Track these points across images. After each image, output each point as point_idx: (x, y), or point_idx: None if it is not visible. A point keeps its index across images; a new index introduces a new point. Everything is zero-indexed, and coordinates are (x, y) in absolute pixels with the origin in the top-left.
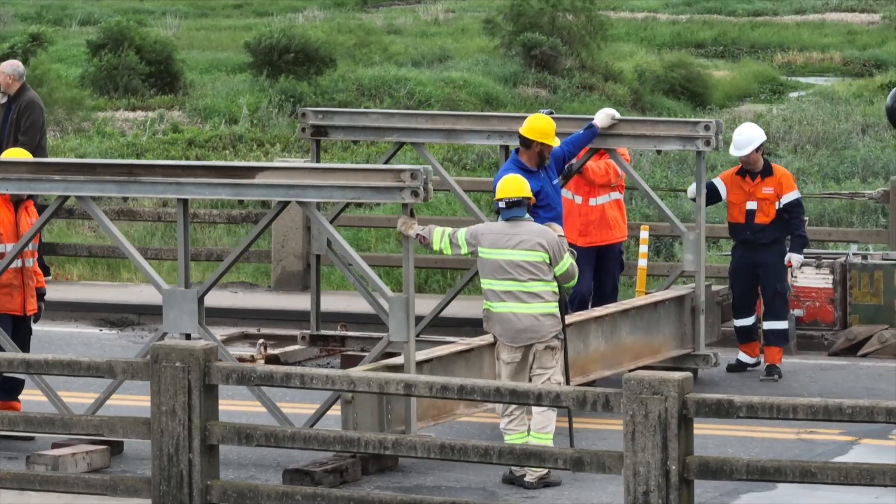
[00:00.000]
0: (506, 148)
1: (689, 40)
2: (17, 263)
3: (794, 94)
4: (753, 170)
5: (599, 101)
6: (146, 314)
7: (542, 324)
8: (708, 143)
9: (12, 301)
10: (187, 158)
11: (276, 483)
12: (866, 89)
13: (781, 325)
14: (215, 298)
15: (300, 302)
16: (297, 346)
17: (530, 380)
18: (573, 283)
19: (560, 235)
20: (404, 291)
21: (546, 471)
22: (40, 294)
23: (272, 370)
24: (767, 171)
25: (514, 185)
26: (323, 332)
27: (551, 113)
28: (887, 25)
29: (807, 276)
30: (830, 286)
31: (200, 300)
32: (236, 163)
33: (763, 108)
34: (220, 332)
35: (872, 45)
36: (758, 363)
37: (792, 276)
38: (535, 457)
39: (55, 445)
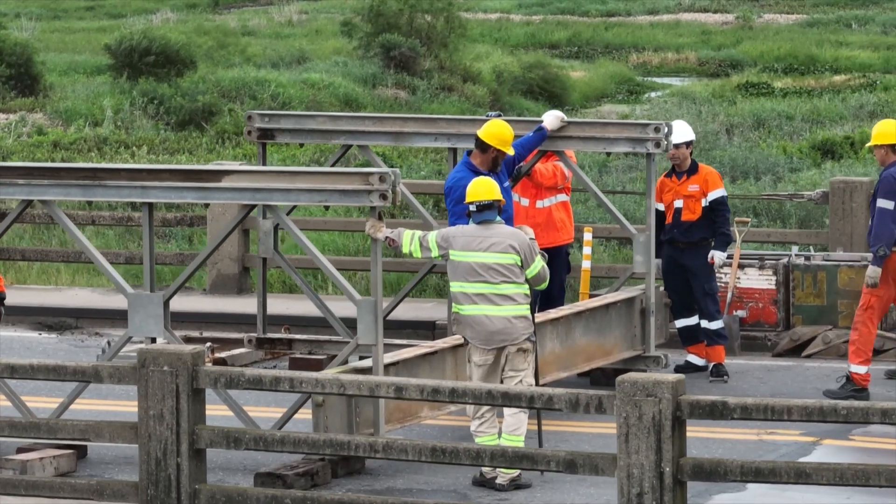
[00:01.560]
0: (454, 150)
1: (544, 41)
2: None
3: (650, 95)
4: (681, 168)
5: (459, 102)
6: (84, 318)
7: (515, 326)
8: (658, 144)
9: None
10: (53, 161)
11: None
12: (724, 89)
13: (716, 324)
14: None
15: (236, 305)
16: (243, 350)
17: (502, 382)
18: (544, 285)
19: (531, 238)
20: (372, 294)
21: (517, 473)
22: (0, 298)
23: (261, 374)
24: (693, 170)
25: (484, 188)
26: (269, 335)
27: (499, 116)
28: (741, 25)
29: (750, 277)
30: (773, 287)
31: (166, 304)
32: (202, 166)
33: (627, 109)
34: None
35: (727, 46)
36: (706, 365)
37: (736, 277)
38: (528, 459)
39: (20, 450)
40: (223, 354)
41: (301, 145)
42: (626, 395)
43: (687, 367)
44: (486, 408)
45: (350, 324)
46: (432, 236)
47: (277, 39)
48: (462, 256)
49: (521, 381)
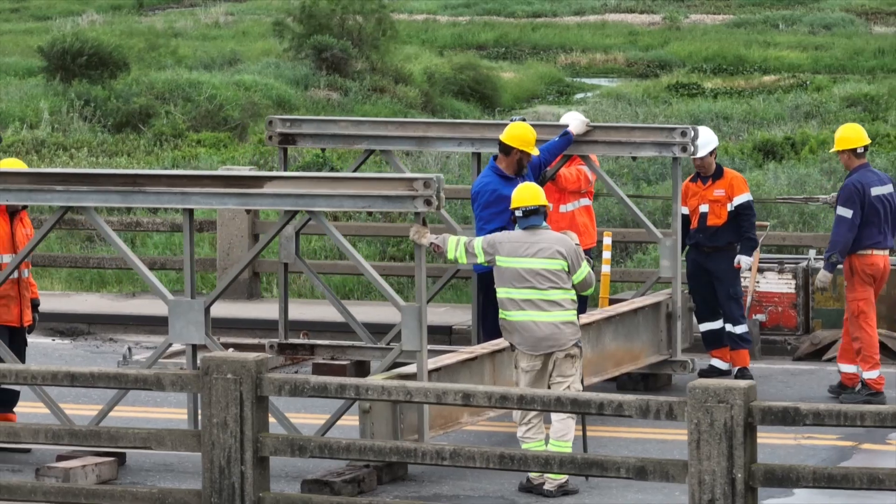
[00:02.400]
0: (478, 155)
1: (471, 42)
2: (14, 274)
3: (580, 95)
4: (706, 173)
5: (391, 103)
6: (96, 323)
7: (563, 332)
8: (684, 149)
9: (9, 312)
10: None
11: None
12: (654, 90)
13: (741, 328)
14: (160, 307)
15: (247, 310)
16: (263, 355)
17: (549, 387)
18: (591, 290)
19: (577, 244)
20: (416, 300)
21: (565, 478)
22: (34, 305)
23: (326, 381)
24: (719, 174)
25: (530, 194)
26: (291, 340)
27: (524, 120)
28: (668, 26)
29: (769, 281)
30: (793, 291)
31: (207, 310)
32: (244, 172)
33: (563, 110)
34: None
35: (655, 46)
36: (730, 369)
37: (755, 282)
38: (598, 466)
39: (60, 458)
40: None
41: (322, 150)
42: (697, 401)
43: (711, 371)
44: (533, 413)
45: (371, 329)
46: (478, 242)
47: (205, 41)
48: (509, 262)
49: (568, 386)
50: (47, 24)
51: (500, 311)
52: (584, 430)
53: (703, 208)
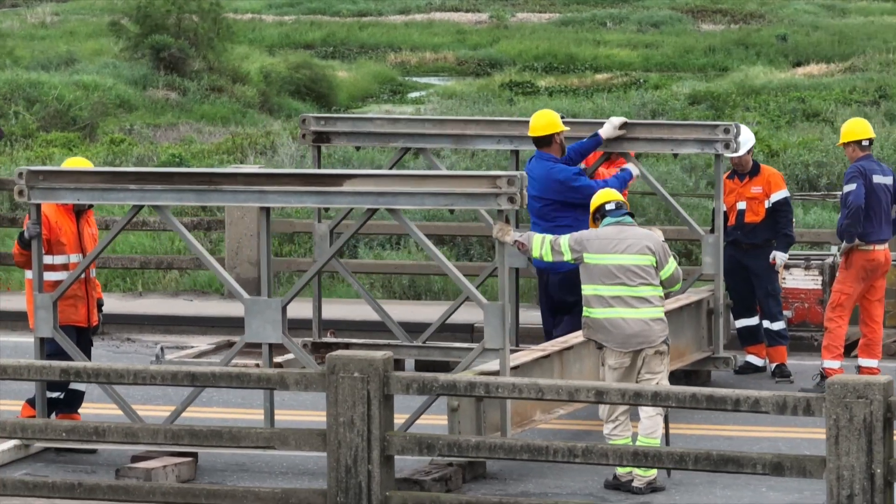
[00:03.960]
0: (516, 153)
1: (298, 41)
2: (81, 275)
3: (414, 94)
4: (743, 170)
5: (229, 102)
6: (108, 323)
7: (652, 328)
8: (727, 145)
9: (77, 312)
10: None
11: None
12: (488, 89)
13: (778, 324)
14: (171, 307)
15: None
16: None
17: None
18: (678, 286)
19: (663, 240)
20: (500, 299)
21: (654, 475)
22: (99, 305)
23: (454, 380)
24: (755, 171)
25: (612, 192)
26: (325, 339)
27: (563, 117)
28: (496, 25)
29: (795, 277)
30: (819, 287)
31: (284, 309)
32: (322, 170)
33: (398, 109)
34: (202, 341)
35: (484, 45)
36: (766, 365)
37: (782, 278)
38: (733, 462)
39: (135, 458)
40: (278, 359)
41: (357, 148)
42: (836, 397)
43: (746, 368)
44: (620, 411)
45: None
46: (564, 240)
47: (32, 41)
48: (598, 259)
49: (657, 383)
50: None
51: (584, 308)
52: (666, 427)
53: (741, 205)
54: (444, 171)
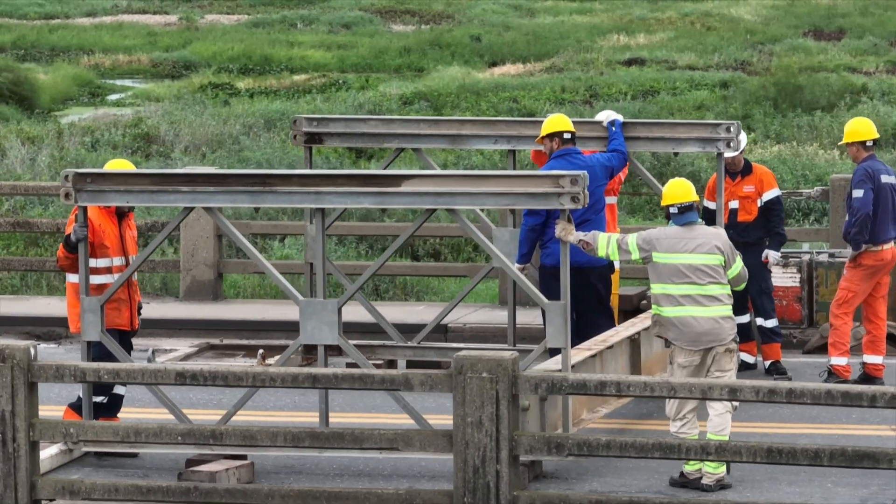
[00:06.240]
0: (513, 153)
1: None
2: None
3: (114, 97)
4: (735, 170)
5: None
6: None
7: (722, 327)
8: (729, 144)
9: (120, 316)
10: None
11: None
12: (187, 91)
13: (772, 322)
14: (158, 311)
15: (213, 311)
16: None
17: None
18: (743, 285)
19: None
20: (562, 298)
21: (723, 472)
22: (139, 308)
23: (585, 378)
24: (748, 170)
25: (683, 190)
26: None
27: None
28: (186, 27)
29: (774, 275)
30: (798, 285)
31: (339, 311)
32: (379, 171)
33: (100, 112)
34: (170, 344)
35: (176, 47)
36: (756, 363)
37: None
38: (870, 458)
39: (191, 462)
40: (271, 361)
41: (350, 149)
42: None
43: (739, 365)
44: (688, 409)
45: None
46: (632, 239)
47: None
48: (667, 258)
49: None
50: None
51: (653, 306)
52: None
53: (733, 204)
54: (505, 171)
